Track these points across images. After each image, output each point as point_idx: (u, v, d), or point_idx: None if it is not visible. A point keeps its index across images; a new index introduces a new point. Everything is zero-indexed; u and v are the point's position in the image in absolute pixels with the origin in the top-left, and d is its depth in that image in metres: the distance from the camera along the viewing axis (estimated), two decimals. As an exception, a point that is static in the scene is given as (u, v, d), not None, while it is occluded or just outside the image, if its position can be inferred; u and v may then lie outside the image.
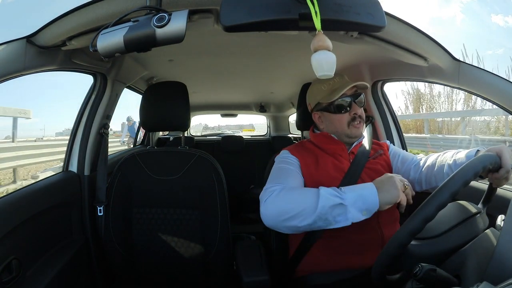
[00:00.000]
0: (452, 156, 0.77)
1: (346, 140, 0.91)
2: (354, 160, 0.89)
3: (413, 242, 0.55)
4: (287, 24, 0.52)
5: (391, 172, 0.93)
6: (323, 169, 0.87)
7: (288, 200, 0.72)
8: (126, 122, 7.13)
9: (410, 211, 0.57)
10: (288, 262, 0.89)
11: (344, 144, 0.92)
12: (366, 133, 1.00)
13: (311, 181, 0.86)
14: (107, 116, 1.20)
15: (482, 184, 0.89)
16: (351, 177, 0.85)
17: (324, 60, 0.51)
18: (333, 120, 0.89)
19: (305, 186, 0.85)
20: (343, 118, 0.88)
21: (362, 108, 0.91)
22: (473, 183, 0.79)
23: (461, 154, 0.75)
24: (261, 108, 2.71)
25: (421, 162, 0.88)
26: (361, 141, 0.94)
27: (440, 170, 0.79)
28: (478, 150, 0.71)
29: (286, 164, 0.87)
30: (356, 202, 0.67)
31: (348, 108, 0.87)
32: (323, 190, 0.69)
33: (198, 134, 4.27)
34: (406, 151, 1.24)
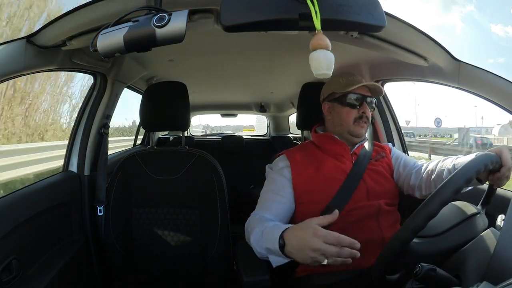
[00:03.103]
0: (452, 161, 0.77)
1: (348, 138, 0.92)
2: (357, 161, 0.89)
3: (414, 240, 0.55)
4: (287, 24, 0.52)
5: (392, 174, 0.93)
6: (324, 172, 0.87)
7: (248, 240, 0.78)
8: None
9: (411, 213, 0.57)
10: (288, 262, 0.89)
11: (346, 145, 0.92)
12: (367, 134, 1.00)
13: (311, 185, 0.86)
14: (107, 116, 1.20)
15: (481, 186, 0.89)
16: (353, 178, 0.85)
17: (323, 59, 0.51)
18: (341, 112, 0.91)
19: (303, 191, 0.86)
20: (351, 113, 0.89)
21: (371, 111, 0.92)
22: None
23: (460, 159, 0.76)
24: (261, 108, 2.71)
25: (422, 168, 0.88)
26: (364, 143, 0.94)
27: (439, 175, 0.79)
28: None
29: (272, 184, 0.89)
30: (270, 252, 0.68)
31: (358, 106, 0.89)
32: (252, 237, 0.74)
33: (198, 133, 4.26)
34: (407, 152, 1.24)
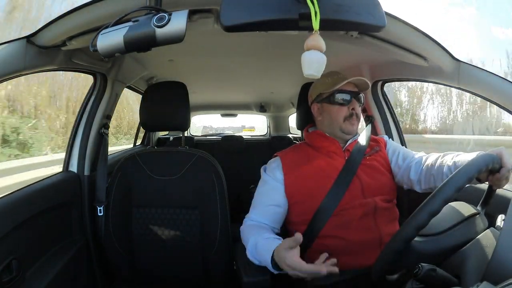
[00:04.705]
0: (452, 159, 0.77)
1: (340, 135, 0.92)
2: (350, 157, 0.89)
3: (414, 239, 0.55)
4: (287, 24, 0.52)
5: (389, 168, 0.93)
6: (316, 170, 0.87)
7: (247, 252, 0.82)
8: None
9: (410, 210, 0.57)
10: None
11: (338, 142, 0.92)
12: (365, 132, 1.00)
13: (304, 184, 0.87)
14: (107, 116, 1.20)
15: (481, 185, 0.89)
16: (346, 175, 0.85)
17: (315, 60, 0.51)
18: (331, 111, 0.91)
19: (295, 190, 0.88)
20: (341, 110, 0.90)
21: (360, 107, 0.92)
22: (472, 185, 0.79)
23: (461, 157, 0.75)
24: (261, 108, 2.71)
25: (422, 161, 0.87)
26: (357, 139, 0.94)
27: (439, 171, 0.79)
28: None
29: (265, 186, 0.92)
30: (266, 266, 0.74)
31: (347, 102, 0.89)
32: (248, 251, 0.80)
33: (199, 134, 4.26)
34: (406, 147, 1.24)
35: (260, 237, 0.78)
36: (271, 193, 0.89)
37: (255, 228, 0.85)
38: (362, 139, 0.94)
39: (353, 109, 0.89)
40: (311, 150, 0.93)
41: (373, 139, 0.98)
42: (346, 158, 0.89)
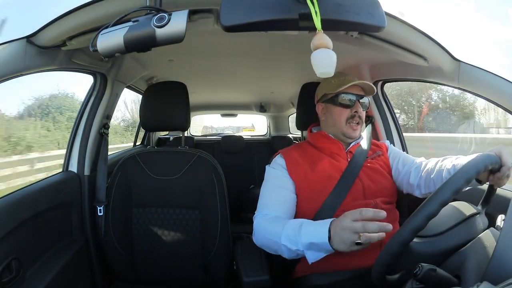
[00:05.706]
0: (452, 162, 0.77)
1: (342, 138, 0.92)
2: (352, 159, 0.89)
3: (414, 240, 0.55)
4: (287, 24, 0.52)
5: (390, 172, 0.93)
6: (319, 170, 0.87)
7: (266, 242, 0.78)
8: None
9: (410, 211, 0.57)
10: (288, 262, 0.89)
11: (341, 143, 0.92)
12: (365, 132, 1.00)
13: (306, 183, 0.86)
14: (107, 116, 1.20)
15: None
16: (348, 177, 0.85)
17: (325, 58, 0.51)
18: (334, 113, 0.91)
19: (299, 189, 0.86)
20: (344, 112, 0.90)
21: (364, 111, 0.92)
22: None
23: (460, 160, 0.76)
24: (261, 108, 2.71)
25: (421, 166, 0.88)
26: (359, 142, 0.95)
27: (439, 175, 0.79)
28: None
29: (273, 180, 0.89)
30: (310, 248, 0.67)
31: (350, 105, 0.89)
32: (283, 236, 0.71)
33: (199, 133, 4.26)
34: (406, 151, 1.24)
35: (299, 221, 0.72)
36: (281, 182, 0.87)
37: (282, 219, 0.80)
38: (364, 142, 0.95)
39: (355, 111, 0.89)
40: (314, 151, 0.93)
41: (375, 144, 0.99)
42: (349, 160, 0.90)
